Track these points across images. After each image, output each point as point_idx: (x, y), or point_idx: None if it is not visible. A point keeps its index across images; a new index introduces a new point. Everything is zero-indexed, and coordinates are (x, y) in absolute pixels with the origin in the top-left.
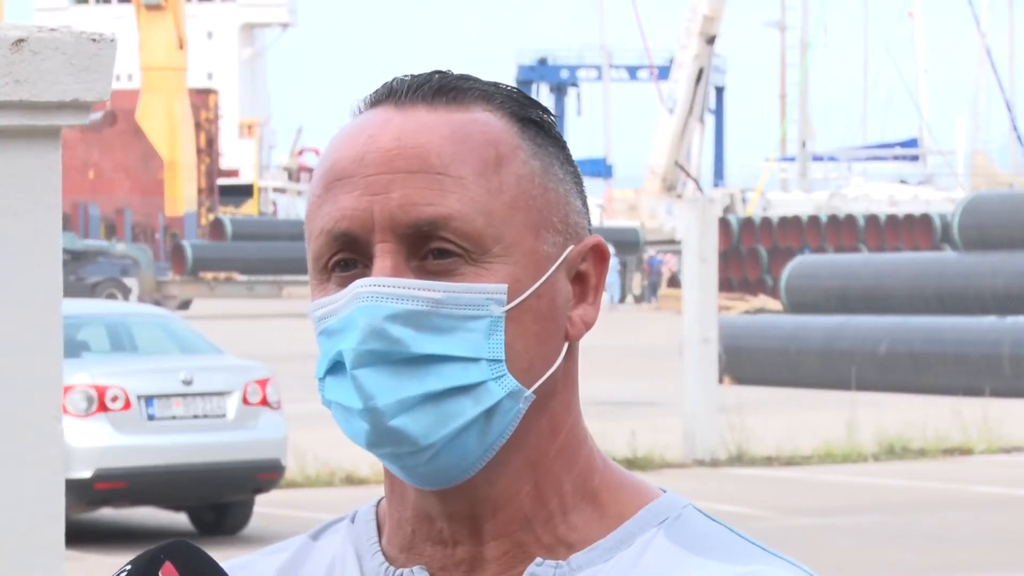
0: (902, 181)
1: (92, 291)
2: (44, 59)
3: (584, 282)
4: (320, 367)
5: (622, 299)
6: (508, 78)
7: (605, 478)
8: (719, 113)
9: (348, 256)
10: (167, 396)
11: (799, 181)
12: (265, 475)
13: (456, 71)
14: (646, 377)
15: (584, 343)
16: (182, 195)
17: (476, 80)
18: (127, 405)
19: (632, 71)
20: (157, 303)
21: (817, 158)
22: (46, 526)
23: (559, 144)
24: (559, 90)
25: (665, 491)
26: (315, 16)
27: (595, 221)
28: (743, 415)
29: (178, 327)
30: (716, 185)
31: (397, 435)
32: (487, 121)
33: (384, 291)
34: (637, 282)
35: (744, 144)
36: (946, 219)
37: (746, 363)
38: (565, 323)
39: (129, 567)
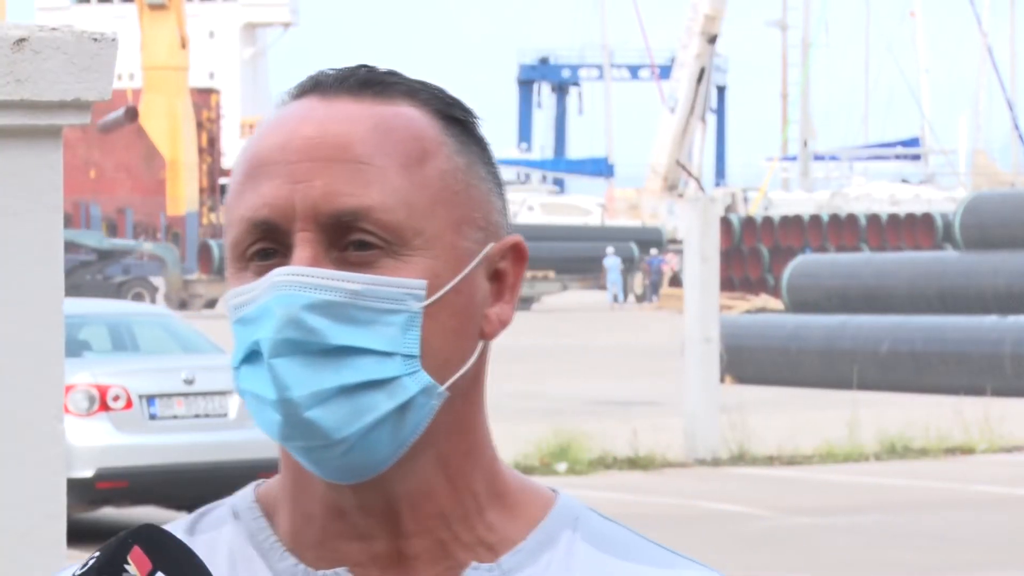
0: (904, 180)
1: (119, 291)
2: (45, 58)
3: (502, 280)
4: (235, 356)
5: (624, 298)
6: (510, 77)
7: (507, 480)
8: (720, 112)
9: (267, 245)
10: (169, 395)
11: (801, 180)
12: (266, 474)
13: (380, 66)
14: (647, 376)
15: (585, 342)
16: (184, 194)
17: (402, 76)
18: (128, 404)
19: (633, 70)
20: (183, 302)
21: (819, 157)
22: (47, 525)
23: (481, 145)
24: (560, 89)
25: (555, 490)
26: (317, 16)
27: (596, 220)
28: (744, 414)
29: (179, 326)
30: (717, 184)
31: (310, 428)
32: (412, 116)
33: (302, 280)
34: (638, 282)
35: (746, 143)
36: (948, 218)
37: (747, 362)
38: (481, 321)
39: (98, 554)
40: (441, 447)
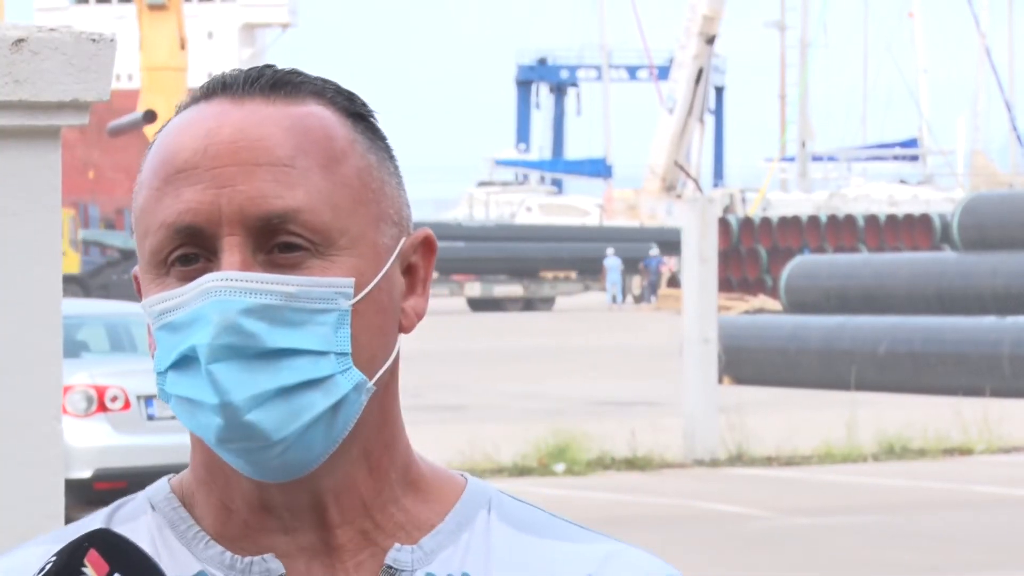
0: (902, 181)
1: None
2: (44, 59)
3: (414, 274)
4: (161, 361)
5: (623, 299)
6: (508, 78)
7: (419, 468)
8: (719, 113)
9: (190, 251)
10: None
11: (799, 181)
12: None
13: (285, 67)
14: (646, 377)
15: (583, 343)
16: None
17: (306, 75)
18: (127, 405)
19: (632, 71)
20: None
21: (817, 158)
22: (45, 526)
23: (384, 139)
24: (559, 90)
25: (464, 475)
26: (315, 17)
27: (595, 221)
28: (743, 415)
29: None
30: (716, 185)
31: (251, 430)
32: (323, 115)
33: (236, 285)
34: (637, 282)
35: (744, 144)
36: (946, 219)
37: (746, 363)
38: (399, 315)
39: (54, 558)
40: (365, 441)
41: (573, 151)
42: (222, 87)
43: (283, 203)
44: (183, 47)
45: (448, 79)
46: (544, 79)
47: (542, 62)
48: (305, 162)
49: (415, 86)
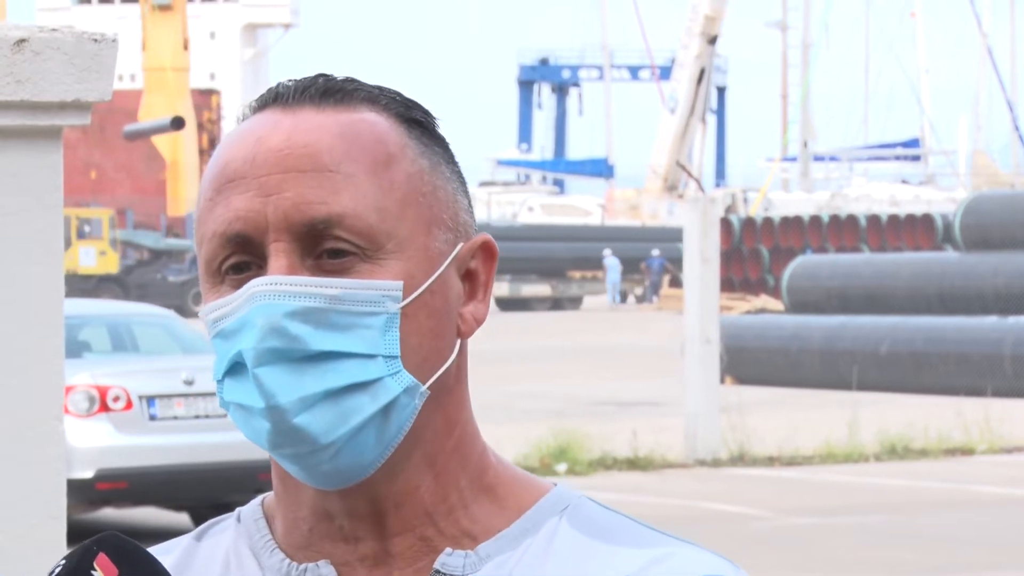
0: (904, 181)
1: (180, 289)
2: (45, 59)
3: (474, 279)
4: (218, 369)
5: (623, 299)
6: (510, 78)
7: (499, 473)
8: (721, 113)
9: (242, 259)
10: (169, 396)
11: (801, 181)
12: (266, 475)
13: (340, 75)
14: (648, 377)
15: (585, 343)
16: (184, 195)
17: (361, 83)
18: (129, 405)
19: (634, 71)
20: None
21: (819, 158)
22: (47, 526)
23: (443, 144)
24: (561, 90)
25: (556, 484)
26: (318, 17)
27: (596, 221)
28: (744, 415)
29: (179, 327)
30: (718, 185)
31: (299, 434)
32: (375, 121)
33: (281, 289)
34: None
35: (746, 144)
36: (948, 219)
37: (748, 363)
38: (457, 320)
39: (64, 561)
40: (427, 447)
41: (575, 151)
42: (274, 98)
43: (327, 209)
44: (186, 47)
45: (450, 79)
46: (546, 79)
47: (544, 62)
48: (351, 167)
49: (417, 86)
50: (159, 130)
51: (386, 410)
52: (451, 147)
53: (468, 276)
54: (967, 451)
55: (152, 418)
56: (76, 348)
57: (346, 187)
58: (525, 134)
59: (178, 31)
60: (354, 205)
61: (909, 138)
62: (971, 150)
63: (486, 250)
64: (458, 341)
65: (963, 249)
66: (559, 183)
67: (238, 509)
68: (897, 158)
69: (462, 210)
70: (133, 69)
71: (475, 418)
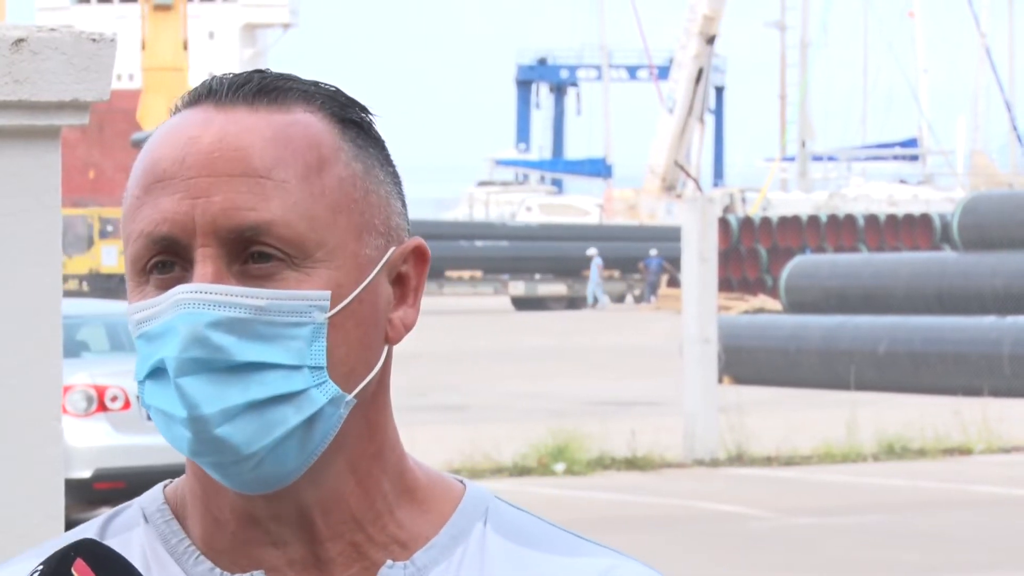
0: (902, 181)
1: None
2: (44, 59)
3: (405, 284)
4: (139, 371)
5: (602, 300)
6: (508, 78)
7: (416, 475)
8: (719, 113)
9: (167, 258)
10: None
11: (799, 181)
12: None
13: (276, 70)
14: (646, 377)
15: (583, 343)
16: None
17: (296, 79)
18: (127, 405)
19: (632, 71)
20: None
21: (817, 158)
22: (46, 526)
23: (379, 145)
24: (559, 90)
25: (463, 481)
26: (316, 17)
27: (595, 221)
28: (743, 415)
29: None
30: (716, 185)
31: (220, 444)
32: (309, 123)
33: (205, 298)
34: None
35: (744, 144)
36: (946, 219)
37: (746, 363)
38: (385, 326)
39: (41, 567)
40: (350, 452)
41: (573, 151)
42: (208, 93)
43: (256, 215)
44: (185, 47)
45: (448, 79)
46: (544, 79)
47: (542, 62)
48: (283, 173)
49: (415, 86)
50: None
51: (310, 421)
52: (387, 147)
53: (399, 280)
54: (965, 451)
55: (150, 418)
56: (74, 348)
57: (276, 193)
58: (523, 134)
59: (178, 31)
60: (283, 212)
61: (907, 138)
62: (969, 150)
63: (418, 254)
64: (385, 348)
65: (961, 249)
66: (557, 183)
67: (136, 503)
68: (895, 158)
69: (395, 214)
70: (132, 69)
71: (395, 420)
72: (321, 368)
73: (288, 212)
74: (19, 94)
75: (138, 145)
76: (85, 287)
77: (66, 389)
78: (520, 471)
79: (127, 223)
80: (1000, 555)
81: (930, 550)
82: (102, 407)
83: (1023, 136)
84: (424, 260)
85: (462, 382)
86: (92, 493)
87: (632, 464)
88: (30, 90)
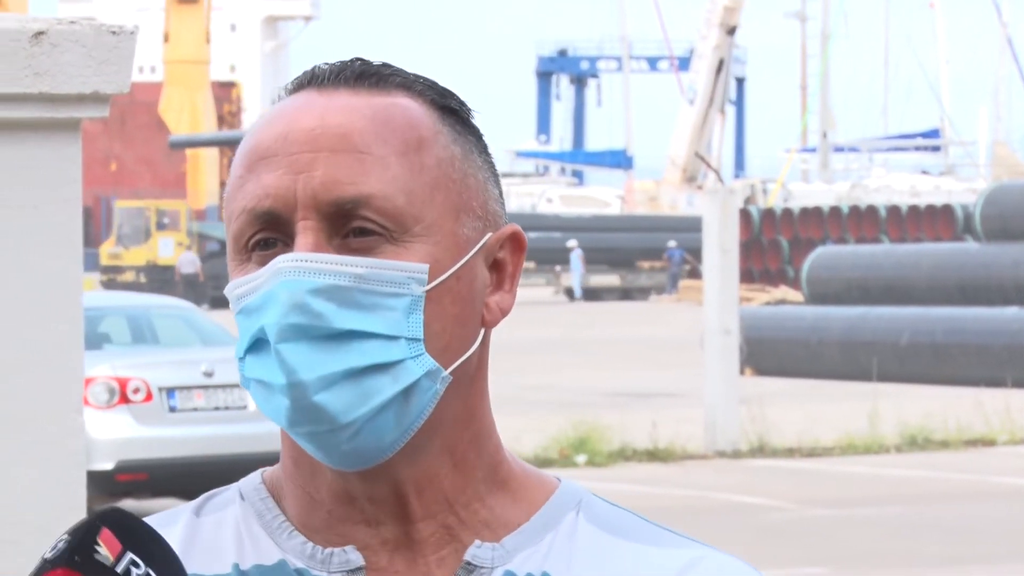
0: (923, 172)
1: None
2: (64, 51)
3: (501, 270)
4: (240, 346)
5: (580, 293)
6: (528, 69)
7: (511, 468)
8: (739, 104)
9: (269, 235)
10: (188, 388)
11: (820, 172)
12: None
13: (377, 61)
14: (667, 368)
15: (605, 334)
16: (204, 188)
17: (397, 68)
18: (148, 397)
19: (652, 62)
20: None
21: (838, 149)
22: (68, 518)
23: (476, 134)
24: (579, 81)
25: (560, 478)
26: (338, 9)
27: (615, 212)
28: (764, 406)
29: (199, 319)
30: (737, 176)
31: (318, 412)
32: (408, 105)
33: (306, 266)
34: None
35: (765, 135)
36: (968, 210)
37: (767, 354)
38: (482, 309)
39: (67, 536)
40: (447, 434)
41: (593, 142)
42: (310, 80)
43: (356, 189)
44: (208, 40)
45: (468, 70)
46: (564, 70)
47: (562, 53)
48: (382, 149)
49: (435, 77)
50: (208, 143)
51: (407, 392)
52: (484, 138)
53: (496, 266)
54: (988, 442)
55: (172, 410)
56: (96, 340)
57: (376, 168)
58: (544, 125)
59: (201, 24)
60: (383, 187)
61: (929, 129)
62: (991, 140)
63: (515, 241)
64: (482, 330)
65: (983, 240)
66: (578, 174)
67: (235, 485)
68: (917, 149)
69: (492, 199)
70: (153, 61)
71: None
72: (418, 340)
73: (387, 186)
74: (39, 87)
75: (176, 147)
76: (143, 278)
77: (88, 381)
78: (541, 463)
79: (229, 203)
80: (1023, 546)
81: (952, 542)
82: (124, 399)
83: None
84: (521, 247)
85: None
86: (114, 485)
87: (653, 456)
88: (50, 83)
